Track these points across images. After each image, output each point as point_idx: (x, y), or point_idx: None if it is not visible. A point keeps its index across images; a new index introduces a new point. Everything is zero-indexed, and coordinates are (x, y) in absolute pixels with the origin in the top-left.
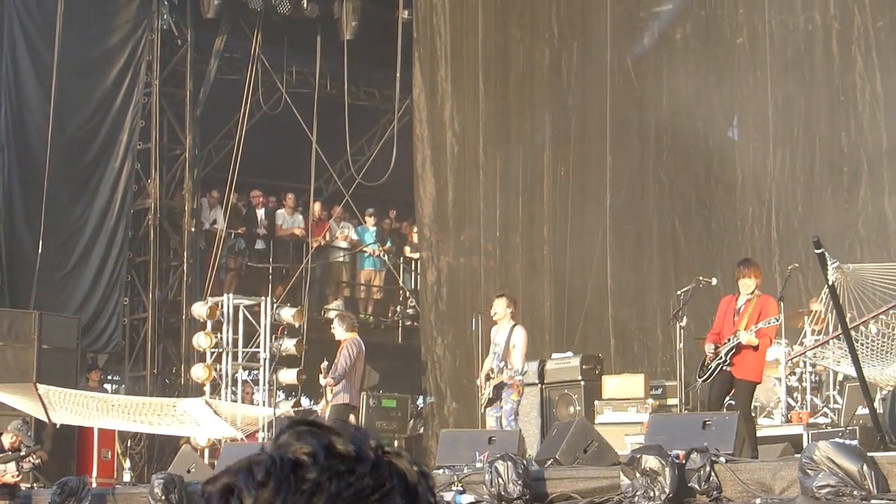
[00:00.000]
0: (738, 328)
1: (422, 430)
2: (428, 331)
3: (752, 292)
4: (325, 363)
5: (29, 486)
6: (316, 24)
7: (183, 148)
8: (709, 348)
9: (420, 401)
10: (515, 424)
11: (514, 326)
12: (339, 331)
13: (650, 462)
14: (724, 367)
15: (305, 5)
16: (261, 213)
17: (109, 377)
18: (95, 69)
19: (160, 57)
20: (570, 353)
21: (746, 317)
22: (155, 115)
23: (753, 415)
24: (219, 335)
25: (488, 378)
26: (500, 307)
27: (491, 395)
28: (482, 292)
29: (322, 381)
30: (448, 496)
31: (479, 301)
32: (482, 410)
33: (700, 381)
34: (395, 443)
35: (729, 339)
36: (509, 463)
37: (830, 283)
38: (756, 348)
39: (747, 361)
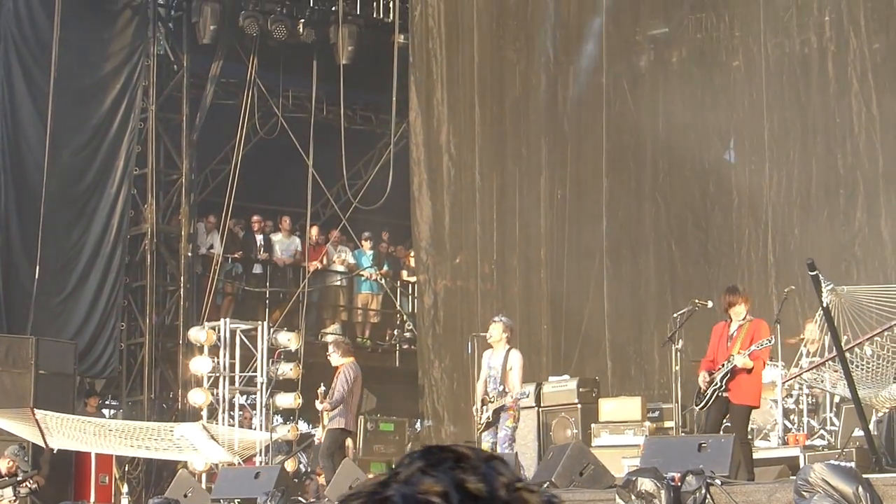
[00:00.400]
0: (732, 353)
1: None
2: (425, 354)
3: (744, 318)
4: (322, 388)
5: None
6: (312, 48)
7: (179, 173)
8: (703, 376)
9: (417, 424)
10: (512, 450)
11: (509, 350)
12: (335, 357)
13: (646, 485)
14: (721, 394)
15: (301, 30)
16: (259, 237)
17: (107, 402)
18: (91, 95)
19: (156, 82)
20: (566, 376)
21: (739, 341)
22: (151, 140)
23: (750, 437)
24: (216, 360)
25: (484, 403)
26: (497, 331)
27: (490, 419)
28: (479, 315)
29: (318, 406)
30: None
31: (476, 324)
32: (478, 434)
33: (697, 408)
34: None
35: (723, 365)
36: None
37: (825, 305)
38: (750, 371)
39: (743, 386)
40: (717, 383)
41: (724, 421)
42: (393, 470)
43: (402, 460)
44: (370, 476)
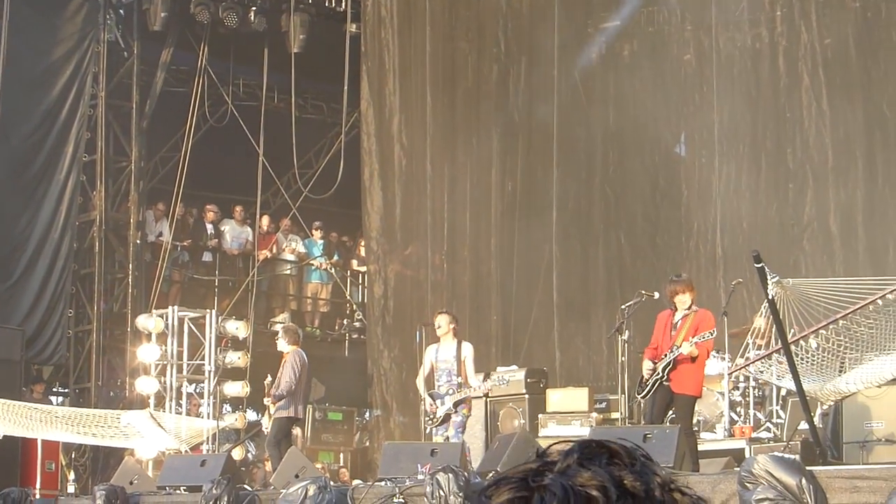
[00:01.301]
0: (676, 342)
1: (367, 444)
2: (374, 344)
3: (689, 307)
4: (269, 379)
5: None
6: (263, 37)
7: (129, 160)
8: (646, 365)
9: (366, 414)
10: (461, 437)
11: (460, 342)
12: (283, 343)
13: None
14: (664, 383)
15: (253, 18)
16: (210, 226)
17: (54, 389)
18: (41, 81)
19: (106, 69)
20: (514, 367)
21: (684, 331)
22: (101, 127)
23: (696, 429)
24: (164, 348)
25: (434, 398)
26: (444, 322)
27: (451, 410)
28: (429, 305)
29: (266, 401)
30: None
31: (426, 314)
32: (428, 429)
33: (639, 397)
34: (341, 456)
35: (666, 355)
36: (451, 475)
37: (770, 297)
38: (694, 361)
39: (685, 376)
40: (658, 373)
41: (671, 414)
42: (544, 459)
43: (552, 451)
44: (317, 465)
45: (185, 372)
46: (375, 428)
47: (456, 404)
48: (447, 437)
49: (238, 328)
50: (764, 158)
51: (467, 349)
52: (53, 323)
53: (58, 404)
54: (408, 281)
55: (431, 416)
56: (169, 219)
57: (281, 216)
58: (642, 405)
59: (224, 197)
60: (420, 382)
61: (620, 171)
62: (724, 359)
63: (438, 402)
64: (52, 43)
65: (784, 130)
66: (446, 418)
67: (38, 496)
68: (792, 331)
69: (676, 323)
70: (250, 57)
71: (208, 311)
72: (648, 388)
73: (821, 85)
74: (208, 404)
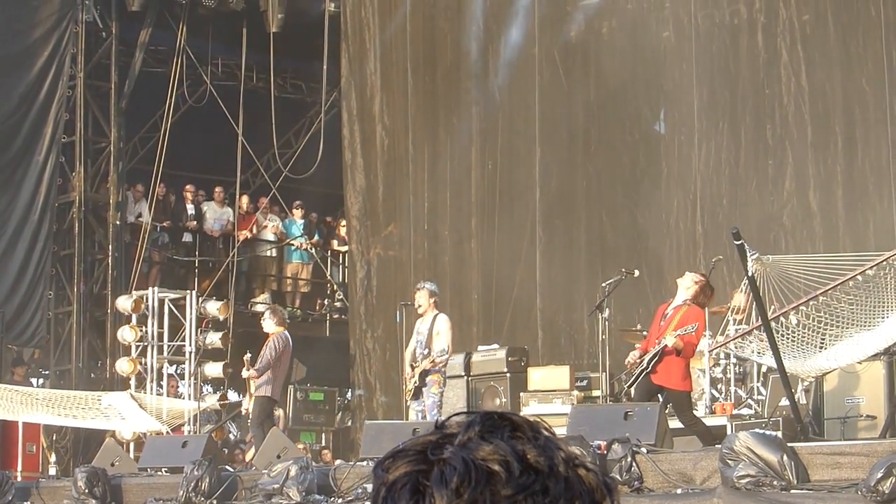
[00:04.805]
0: (665, 334)
1: (349, 424)
2: (357, 324)
3: (684, 300)
4: (248, 355)
5: None
6: (242, 16)
7: (108, 141)
8: (633, 355)
9: (348, 394)
10: (439, 417)
11: (437, 315)
12: (269, 324)
13: None
14: (649, 374)
15: None
16: (190, 207)
17: (36, 370)
18: (19, 62)
19: (85, 49)
20: (496, 346)
21: (673, 324)
22: (79, 107)
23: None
24: (144, 329)
25: (412, 367)
26: (423, 298)
27: (417, 383)
28: (411, 285)
29: (244, 374)
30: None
31: (408, 294)
32: (406, 402)
33: (626, 386)
34: (323, 436)
35: (654, 347)
36: None
37: (750, 274)
38: (679, 354)
39: (669, 368)
40: (644, 364)
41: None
42: (444, 431)
43: (451, 423)
44: (299, 445)
45: (165, 353)
46: (357, 408)
47: (422, 376)
48: (420, 413)
49: (218, 309)
50: (743, 135)
51: (441, 323)
52: (33, 305)
53: (38, 386)
54: (390, 261)
55: (406, 386)
56: (148, 200)
57: (260, 196)
58: (623, 384)
59: (203, 177)
60: (407, 355)
61: (601, 148)
62: (705, 336)
63: (413, 372)
64: (30, 24)
65: (763, 107)
66: (418, 391)
67: (19, 478)
68: (772, 307)
69: (668, 314)
70: (229, 36)
71: (188, 291)
72: (634, 378)
73: (800, 61)
74: (188, 385)
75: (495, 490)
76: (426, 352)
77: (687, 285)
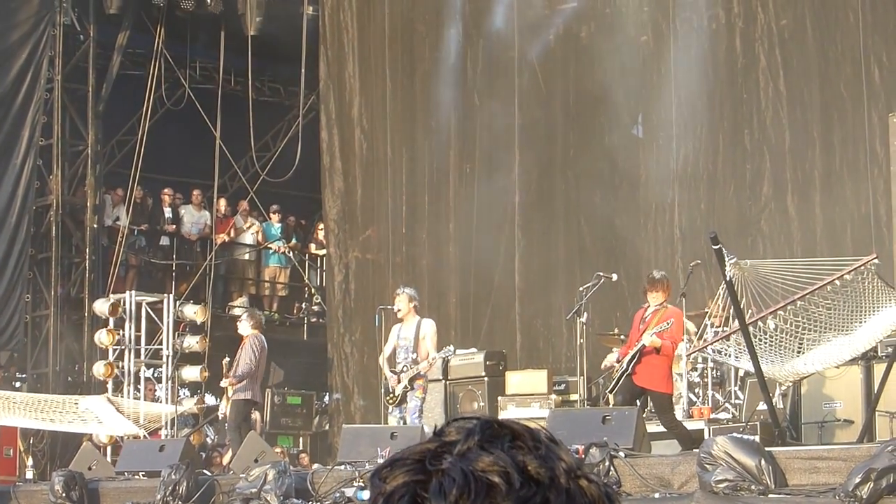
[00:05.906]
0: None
1: (327, 428)
2: (335, 327)
3: (661, 304)
4: (227, 359)
5: None
6: (220, 19)
7: (85, 144)
8: (610, 358)
9: (326, 398)
10: (419, 422)
11: (421, 319)
12: (245, 326)
13: None
14: (629, 376)
15: (209, 0)
16: (168, 210)
17: (14, 373)
18: None
19: (62, 52)
20: (474, 349)
21: (652, 325)
22: (57, 110)
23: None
24: (121, 332)
25: (395, 373)
26: (403, 303)
27: (407, 388)
28: (390, 288)
29: (223, 383)
30: (349, 492)
31: (387, 297)
32: (390, 410)
33: (607, 392)
34: (301, 440)
35: (633, 350)
36: None
37: (728, 278)
38: (658, 352)
39: (652, 370)
40: (623, 367)
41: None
42: (443, 438)
43: (450, 430)
44: (276, 449)
45: (142, 356)
46: (335, 412)
47: (411, 380)
48: (402, 419)
49: (196, 312)
50: (721, 139)
51: (427, 327)
52: (10, 308)
53: (15, 390)
54: (368, 264)
55: (392, 393)
56: (126, 203)
57: (238, 200)
58: (601, 388)
59: (181, 180)
60: (382, 361)
61: (579, 152)
62: (682, 340)
63: (402, 376)
64: (8, 27)
65: (741, 111)
66: (403, 397)
67: None
68: (750, 312)
69: (646, 318)
70: (207, 40)
71: (166, 295)
72: (615, 382)
73: (777, 66)
74: (166, 389)
75: (495, 503)
76: (414, 356)
77: (656, 297)
